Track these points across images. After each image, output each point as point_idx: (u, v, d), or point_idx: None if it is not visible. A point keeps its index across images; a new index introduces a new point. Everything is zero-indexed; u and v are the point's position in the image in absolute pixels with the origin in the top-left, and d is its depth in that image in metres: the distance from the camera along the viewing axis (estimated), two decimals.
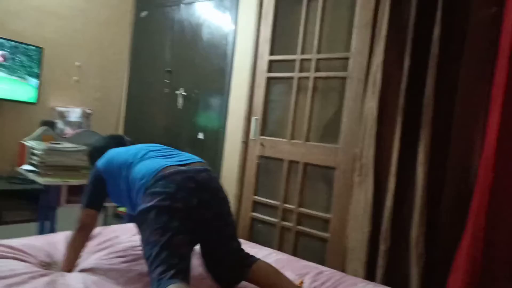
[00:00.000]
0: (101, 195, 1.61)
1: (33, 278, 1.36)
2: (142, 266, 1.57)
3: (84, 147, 2.62)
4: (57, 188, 2.40)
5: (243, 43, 3.04)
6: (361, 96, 2.27)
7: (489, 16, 1.88)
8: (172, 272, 1.24)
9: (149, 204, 1.37)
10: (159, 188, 1.39)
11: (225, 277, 1.50)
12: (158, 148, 1.66)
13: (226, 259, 1.50)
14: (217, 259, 1.51)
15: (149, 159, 1.54)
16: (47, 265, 1.57)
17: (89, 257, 1.65)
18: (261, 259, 1.55)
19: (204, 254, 1.53)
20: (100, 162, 1.62)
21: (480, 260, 1.65)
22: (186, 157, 1.59)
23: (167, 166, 1.47)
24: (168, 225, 1.33)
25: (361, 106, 2.23)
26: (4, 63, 3.07)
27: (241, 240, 2.04)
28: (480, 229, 1.66)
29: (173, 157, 1.58)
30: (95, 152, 1.76)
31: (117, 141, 1.79)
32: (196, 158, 1.60)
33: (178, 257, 1.29)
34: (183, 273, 1.27)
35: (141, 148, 1.63)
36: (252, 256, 1.54)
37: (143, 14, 3.98)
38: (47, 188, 2.47)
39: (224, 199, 1.54)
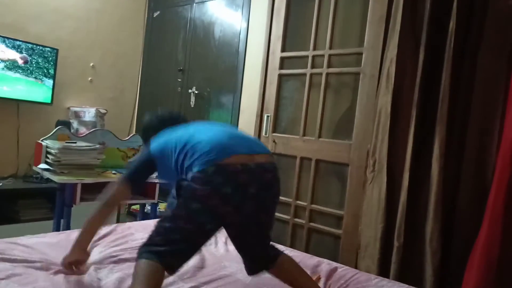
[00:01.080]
0: (144, 175, 1.53)
1: (49, 273, 1.38)
2: None
3: (97, 146, 2.65)
4: (72, 186, 2.43)
5: (255, 41, 3.03)
6: (374, 91, 2.24)
7: (506, 8, 1.84)
8: (162, 250, 1.22)
9: (198, 192, 1.26)
10: (216, 179, 1.26)
11: (249, 264, 1.48)
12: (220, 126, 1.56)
13: (254, 251, 1.47)
14: (245, 249, 1.48)
15: (214, 132, 1.41)
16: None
17: (104, 251, 1.67)
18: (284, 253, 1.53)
19: (233, 239, 1.50)
20: (154, 145, 1.48)
21: (497, 257, 1.61)
22: (254, 143, 1.47)
23: (234, 155, 1.31)
24: (201, 225, 1.29)
25: (375, 102, 2.21)
26: (23, 65, 3.14)
27: None
28: (497, 226, 1.63)
29: (240, 139, 1.43)
30: (149, 131, 1.65)
31: (172, 121, 1.62)
32: (262, 147, 1.52)
33: (186, 244, 1.27)
34: (174, 258, 1.25)
35: (202, 124, 1.54)
36: (276, 250, 1.51)
37: (156, 14, 4.01)
38: (63, 186, 2.50)
39: (277, 202, 1.50)
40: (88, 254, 1.53)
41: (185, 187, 1.30)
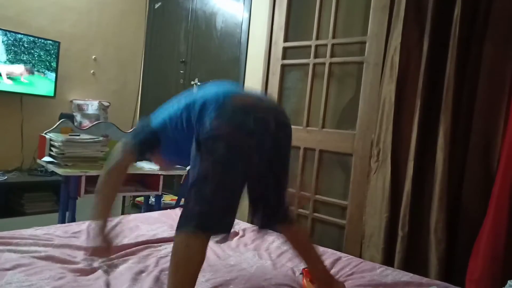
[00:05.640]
0: (150, 148, 1.47)
1: (55, 264, 1.39)
2: (159, 253, 1.60)
3: (101, 139, 2.65)
4: (77, 179, 2.44)
5: (257, 31, 3.01)
6: (378, 80, 2.22)
7: None
8: (208, 223, 1.15)
9: (220, 132, 1.20)
10: (235, 115, 1.23)
11: (261, 216, 1.42)
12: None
13: (269, 200, 1.39)
14: (261, 195, 1.39)
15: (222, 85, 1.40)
16: None
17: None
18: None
19: (250, 184, 1.36)
20: (156, 121, 1.46)
21: (502, 246, 1.61)
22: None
23: (245, 94, 1.38)
24: (234, 167, 1.20)
25: (379, 91, 2.19)
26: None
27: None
28: (502, 214, 1.62)
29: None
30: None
31: None
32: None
33: (228, 208, 1.20)
34: (218, 227, 1.19)
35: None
36: (293, 214, 1.47)
37: (157, 5, 3.99)
38: (67, 179, 2.50)
39: (290, 148, 1.43)
40: (110, 240, 1.46)
41: (208, 139, 1.22)
